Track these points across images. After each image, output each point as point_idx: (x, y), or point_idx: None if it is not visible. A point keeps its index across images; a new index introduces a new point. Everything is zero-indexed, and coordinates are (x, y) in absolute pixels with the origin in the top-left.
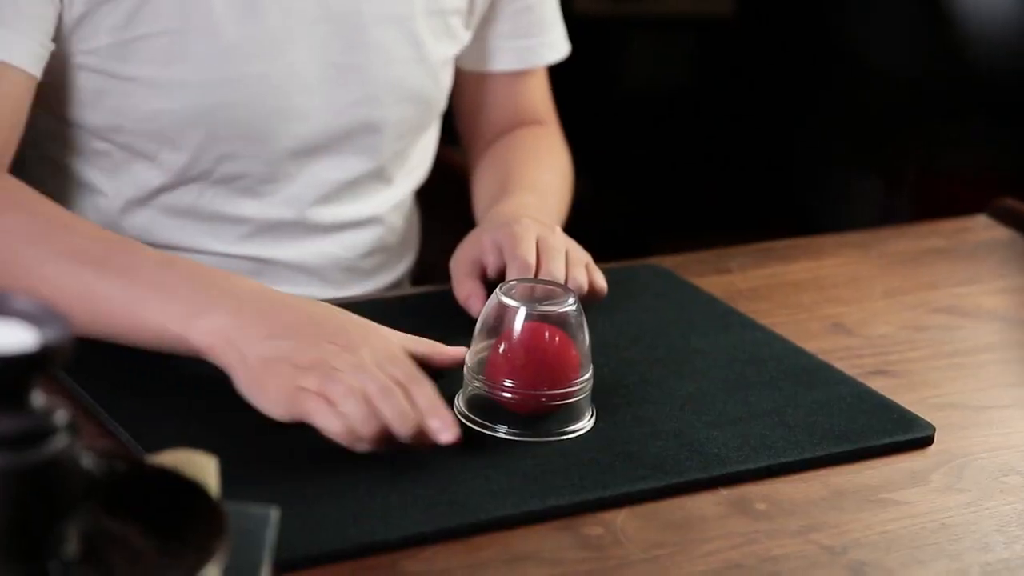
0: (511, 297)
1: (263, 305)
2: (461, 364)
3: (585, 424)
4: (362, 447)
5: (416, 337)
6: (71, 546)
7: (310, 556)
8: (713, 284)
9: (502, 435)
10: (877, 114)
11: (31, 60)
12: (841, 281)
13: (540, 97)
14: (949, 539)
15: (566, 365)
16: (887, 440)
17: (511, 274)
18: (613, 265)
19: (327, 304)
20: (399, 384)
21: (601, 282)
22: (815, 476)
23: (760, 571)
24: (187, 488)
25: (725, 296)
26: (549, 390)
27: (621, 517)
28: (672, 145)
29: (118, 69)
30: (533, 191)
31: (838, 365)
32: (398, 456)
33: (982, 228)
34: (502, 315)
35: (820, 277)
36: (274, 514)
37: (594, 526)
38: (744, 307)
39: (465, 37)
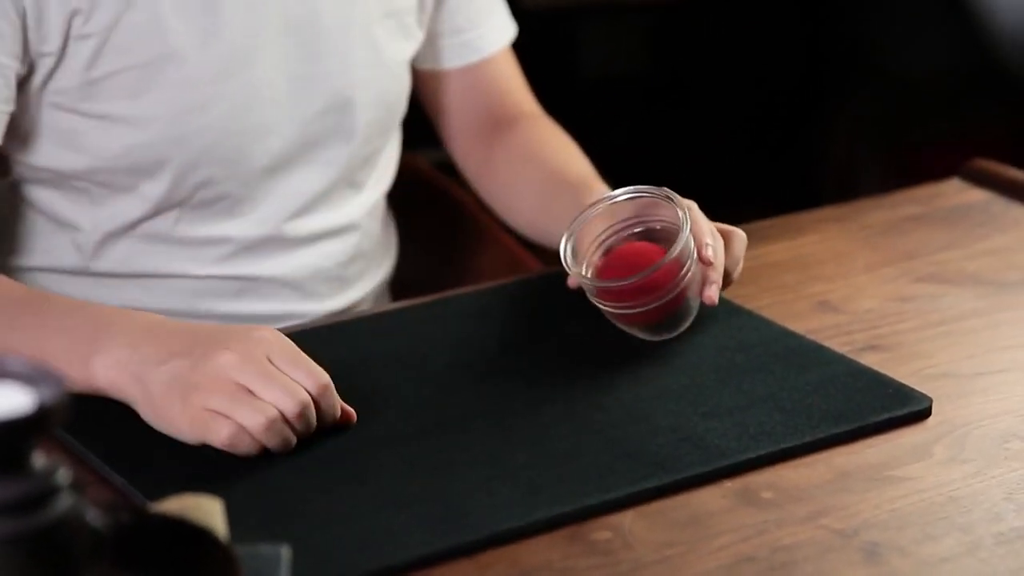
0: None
1: (158, 333)
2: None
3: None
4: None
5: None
6: None
7: None
8: None
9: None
10: (850, 93)
11: None
12: (823, 258)
13: (513, 84)
14: (959, 511)
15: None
16: (886, 416)
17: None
18: None
19: (225, 325)
20: (308, 400)
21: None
22: (818, 459)
23: (773, 562)
24: (196, 534)
25: None
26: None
27: (628, 519)
28: (635, 132)
29: (88, 108)
30: (595, 183)
31: (828, 344)
32: (400, 475)
33: (955, 192)
34: None
35: (801, 256)
36: (285, 552)
37: (602, 531)
38: (728, 293)
39: (419, 35)
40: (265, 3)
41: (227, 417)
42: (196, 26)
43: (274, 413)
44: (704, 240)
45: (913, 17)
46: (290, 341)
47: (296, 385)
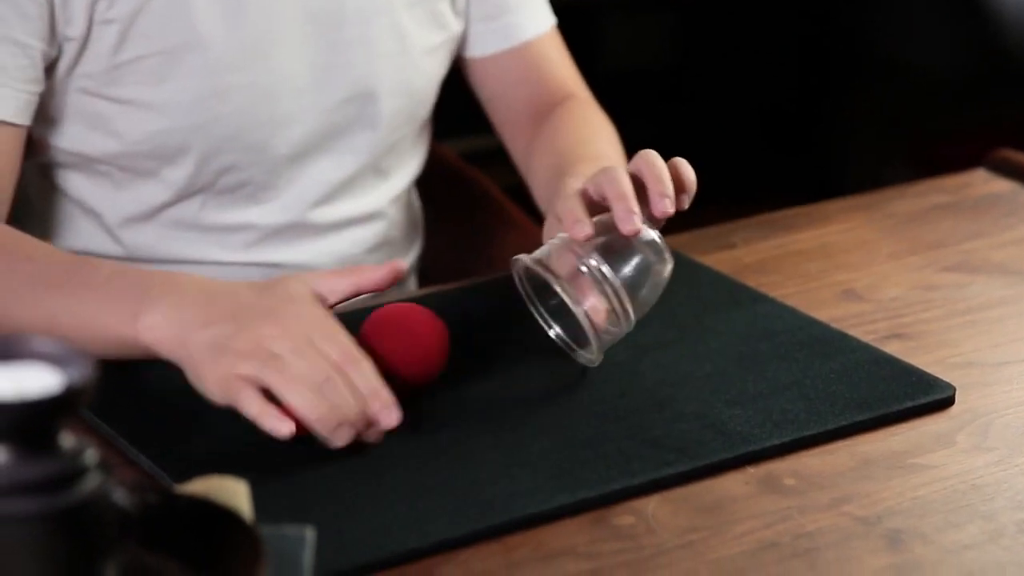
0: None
1: (202, 296)
2: (398, 277)
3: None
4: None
5: (336, 273)
6: None
7: (347, 570)
8: (719, 261)
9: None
10: (865, 84)
11: (16, 111)
12: (847, 246)
13: (558, 70)
14: (982, 499)
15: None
16: (909, 404)
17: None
18: None
19: (271, 281)
20: (338, 368)
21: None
22: (841, 446)
23: (796, 548)
24: (221, 516)
25: (732, 272)
26: None
27: (651, 504)
28: (655, 123)
29: (113, 93)
30: (598, 160)
31: (852, 332)
32: (424, 461)
33: (981, 182)
34: None
35: (826, 244)
36: (310, 534)
37: (625, 516)
38: (752, 281)
39: (456, 25)
40: None
41: (258, 384)
42: (219, 13)
43: (305, 380)
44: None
45: (925, 10)
46: (329, 316)
47: (325, 360)
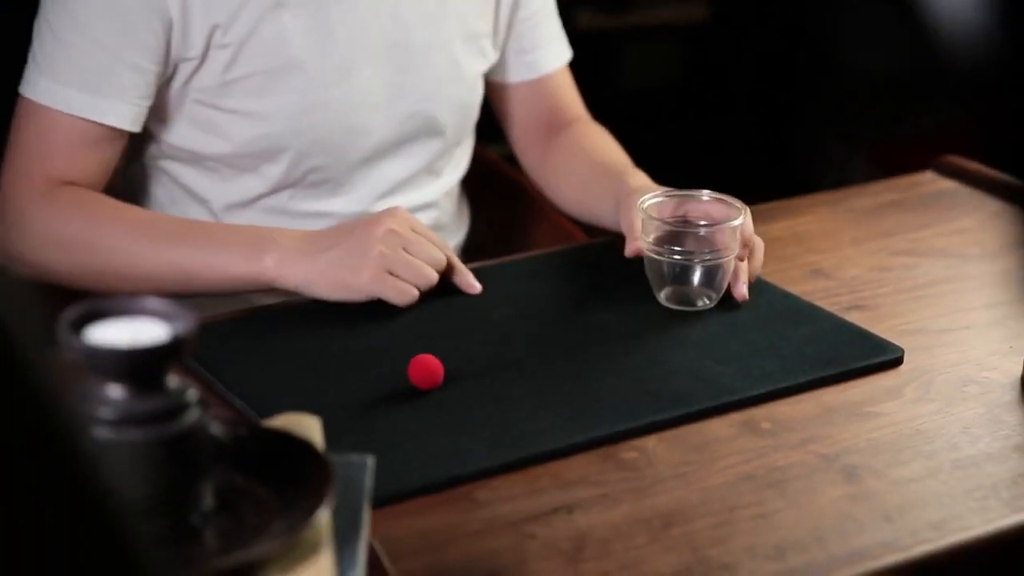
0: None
1: (306, 234)
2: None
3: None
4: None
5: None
6: (208, 500)
7: (401, 493)
8: None
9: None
10: (836, 99)
11: (131, 122)
12: (816, 234)
13: (568, 96)
14: (923, 441)
15: None
16: (865, 363)
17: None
18: None
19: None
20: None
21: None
22: (809, 397)
23: (769, 479)
24: (298, 445)
25: None
26: None
27: (651, 442)
28: (665, 135)
29: (223, 103)
30: (628, 165)
31: (820, 304)
32: (466, 405)
33: (929, 182)
34: None
35: (799, 233)
36: (370, 461)
37: (630, 451)
38: None
39: (493, 55)
40: (368, 26)
41: (379, 270)
42: (313, 41)
43: (417, 261)
44: (749, 238)
45: (874, 21)
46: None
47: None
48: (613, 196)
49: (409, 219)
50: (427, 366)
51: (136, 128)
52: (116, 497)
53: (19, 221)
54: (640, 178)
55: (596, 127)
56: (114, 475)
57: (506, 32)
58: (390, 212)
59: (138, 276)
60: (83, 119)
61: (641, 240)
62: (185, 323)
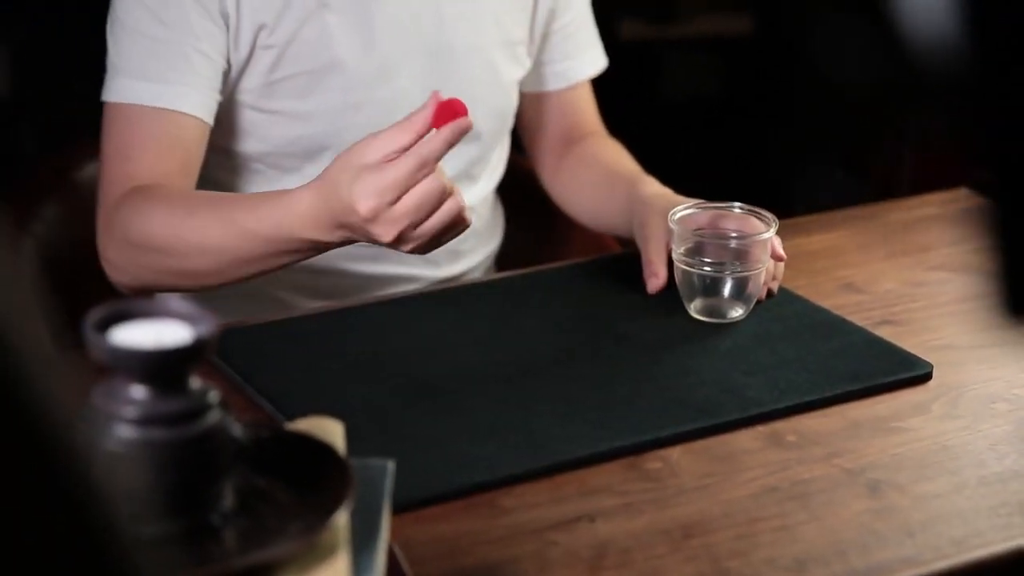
0: None
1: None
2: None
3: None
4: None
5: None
6: (228, 500)
7: (424, 498)
8: None
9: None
10: (855, 117)
11: (202, 109)
12: (849, 248)
13: (588, 110)
14: (949, 458)
15: None
16: (893, 378)
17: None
18: None
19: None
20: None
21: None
22: (835, 411)
23: (792, 492)
24: (319, 449)
25: None
26: None
27: (676, 453)
28: (707, 146)
29: (265, 104)
30: (643, 175)
31: (851, 318)
32: (491, 411)
33: (963, 199)
34: None
35: (832, 246)
36: (391, 466)
37: (654, 461)
38: None
39: (528, 63)
40: (408, 30)
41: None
42: (356, 43)
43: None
44: (778, 250)
45: (852, 34)
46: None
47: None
48: (626, 204)
49: (385, 204)
50: (452, 108)
51: (210, 119)
52: (105, 504)
53: (107, 228)
54: (653, 186)
55: (611, 140)
56: (132, 474)
57: (540, 42)
58: (375, 220)
59: (204, 245)
60: (157, 109)
61: (673, 252)
62: (207, 325)
